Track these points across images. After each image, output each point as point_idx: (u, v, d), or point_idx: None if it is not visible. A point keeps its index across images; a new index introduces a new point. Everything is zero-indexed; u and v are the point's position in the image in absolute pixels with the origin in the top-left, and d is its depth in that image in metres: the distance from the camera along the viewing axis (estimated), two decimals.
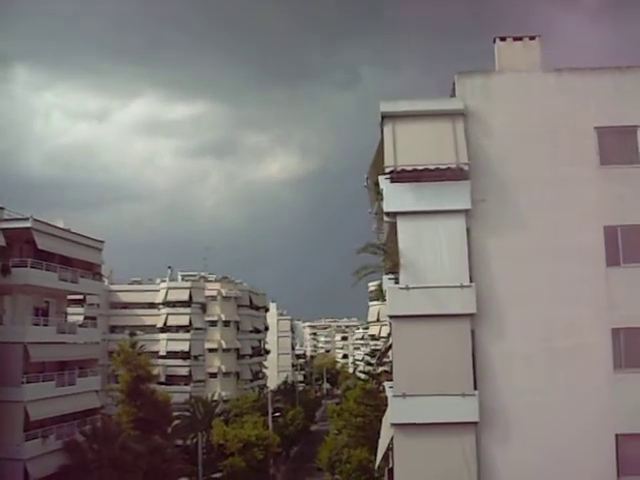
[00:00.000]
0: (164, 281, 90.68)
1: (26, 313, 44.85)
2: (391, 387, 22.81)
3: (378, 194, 25.40)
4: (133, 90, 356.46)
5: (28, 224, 43.43)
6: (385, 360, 33.64)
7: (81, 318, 66.21)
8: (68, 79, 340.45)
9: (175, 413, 64.84)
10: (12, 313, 43.62)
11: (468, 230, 22.52)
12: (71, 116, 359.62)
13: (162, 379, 77.98)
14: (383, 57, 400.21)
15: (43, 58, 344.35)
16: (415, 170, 22.62)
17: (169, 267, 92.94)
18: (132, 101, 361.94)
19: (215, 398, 77.48)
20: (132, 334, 71.23)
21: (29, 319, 44.72)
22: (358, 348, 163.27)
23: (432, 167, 22.45)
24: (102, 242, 53.58)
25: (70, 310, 57.14)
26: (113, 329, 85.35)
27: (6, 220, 41.58)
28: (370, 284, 48.98)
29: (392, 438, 22.46)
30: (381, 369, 49.37)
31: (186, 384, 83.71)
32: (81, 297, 67.85)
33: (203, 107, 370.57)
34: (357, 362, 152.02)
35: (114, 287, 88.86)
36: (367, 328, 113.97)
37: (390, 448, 23.51)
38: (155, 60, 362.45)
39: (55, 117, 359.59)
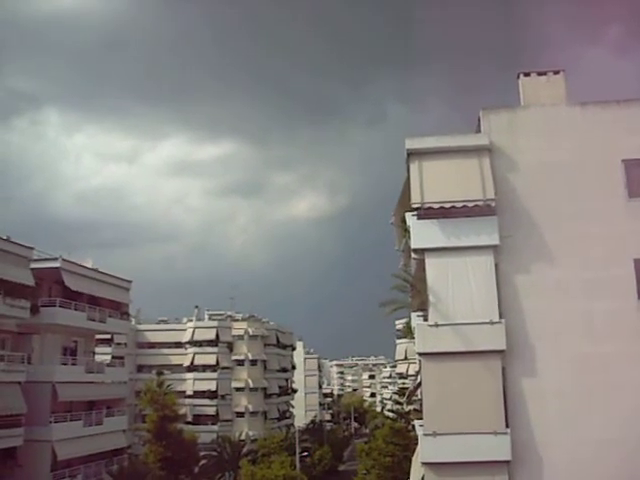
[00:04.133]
0: (191, 320, 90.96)
1: (54, 352, 45.27)
2: (421, 425, 22.51)
3: (405, 231, 25.36)
4: (162, 131, 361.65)
5: (57, 264, 44.08)
6: (414, 398, 33.27)
7: (109, 357, 66.57)
8: (98, 121, 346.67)
9: (202, 453, 64.69)
10: (41, 352, 44.03)
11: (497, 265, 22.31)
12: (101, 158, 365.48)
13: (189, 418, 78.14)
14: (409, 93, 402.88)
15: (73, 100, 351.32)
16: (442, 207, 22.58)
17: (196, 306, 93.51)
18: (161, 142, 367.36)
19: (242, 438, 77.11)
20: (159, 373, 71.23)
21: (57, 358, 45.07)
22: (386, 387, 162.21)
23: (459, 204, 22.38)
24: (129, 282, 54.05)
25: (98, 349, 57.47)
26: (140, 368, 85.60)
27: (36, 260, 42.12)
28: (397, 322, 48.79)
29: (423, 477, 22.12)
30: (410, 407, 48.83)
31: (213, 423, 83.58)
32: (109, 336, 68.27)
33: (231, 147, 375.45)
34: (385, 401, 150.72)
35: (141, 327, 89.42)
36: (394, 366, 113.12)
37: None
38: (184, 102, 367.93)
39: (85, 159, 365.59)
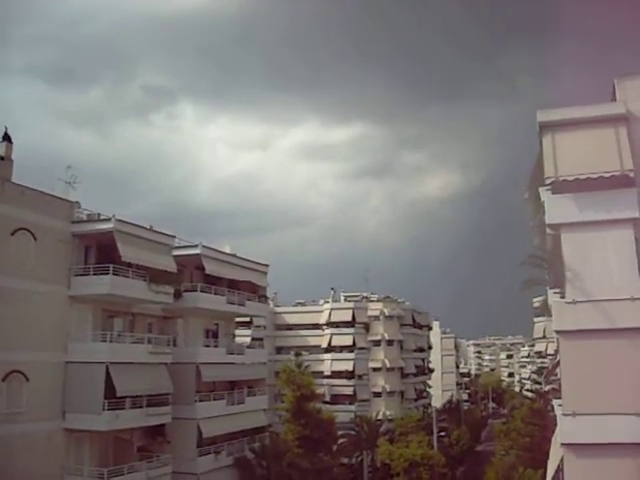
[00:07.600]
0: (327, 302, 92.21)
1: (197, 335, 47.12)
2: (560, 405, 21.91)
3: (540, 206, 24.67)
4: (293, 117, 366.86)
5: (197, 251, 45.79)
6: (553, 378, 32.36)
7: (248, 339, 68.55)
8: (230, 112, 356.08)
9: (340, 432, 65.59)
10: (185, 335, 45.95)
11: (637, 240, 21.32)
12: (235, 147, 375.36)
13: (327, 398, 79.51)
14: (542, 66, 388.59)
15: (205, 93, 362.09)
16: (577, 180, 21.76)
17: (332, 288, 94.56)
18: (292, 128, 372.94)
19: (380, 417, 77.57)
20: (297, 354, 72.80)
21: (200, 341, 46.88)
22: (524, 366, 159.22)
23: (595, 176, 21.46)
24: (266, 266, 55.28)
25: (238, 332, 59.23)
26: (279, 350, 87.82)
27: (177, 247, 43.85)
28: (534, 300, 47.57)
29: (562, 459, 21.56)
30: (549, 387, 47.65)
31: (351, 403, 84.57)
32: (248, 319, 70.25)
33: (361, 129, 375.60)
34: (523, 381, 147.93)
35: (279, 309, 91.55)
36: (533, 345, 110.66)
37: (560, 469, 22.56)
38: (313, 87, 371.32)
39: (220, 149, 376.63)
